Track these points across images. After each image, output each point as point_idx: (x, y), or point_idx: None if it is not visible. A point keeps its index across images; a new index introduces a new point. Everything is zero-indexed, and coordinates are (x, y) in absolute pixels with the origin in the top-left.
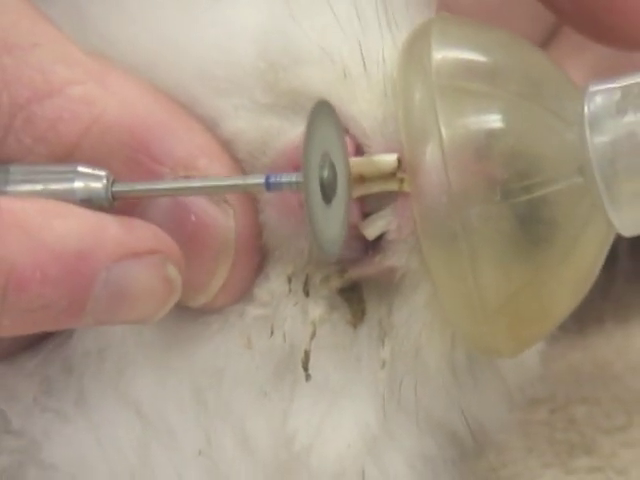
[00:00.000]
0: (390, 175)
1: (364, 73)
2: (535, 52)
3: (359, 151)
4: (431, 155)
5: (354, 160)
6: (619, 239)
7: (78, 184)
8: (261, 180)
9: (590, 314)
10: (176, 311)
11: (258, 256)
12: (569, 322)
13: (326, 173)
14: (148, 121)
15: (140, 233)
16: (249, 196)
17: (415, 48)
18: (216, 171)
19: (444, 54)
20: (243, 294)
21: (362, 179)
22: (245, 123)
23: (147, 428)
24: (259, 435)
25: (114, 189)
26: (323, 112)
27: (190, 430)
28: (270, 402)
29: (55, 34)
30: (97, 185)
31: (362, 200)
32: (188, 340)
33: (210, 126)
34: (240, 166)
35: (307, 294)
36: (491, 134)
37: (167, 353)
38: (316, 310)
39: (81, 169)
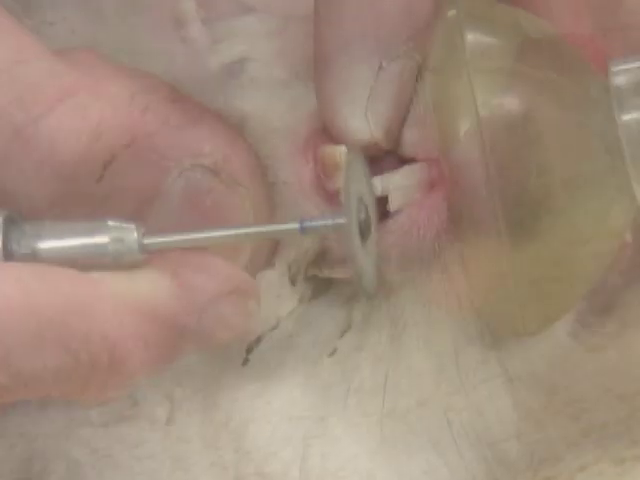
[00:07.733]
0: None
1: None
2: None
3: None
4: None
5: None
6: None
7: (108, 237)
8: (295, 225)
9: None
10: None
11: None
12: None
13: (362, 215)
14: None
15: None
16: (264, 178)
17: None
18: (223, 155)
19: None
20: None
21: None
22: None
23: None
24: None
25: (145, 241)
26: (356, 162)
27: None
28: None
29: (40, 49)
30: (130, 237)
31: None
32: None
33: None
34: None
35: (294, 283)
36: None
37: None
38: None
39: (111, 223)
